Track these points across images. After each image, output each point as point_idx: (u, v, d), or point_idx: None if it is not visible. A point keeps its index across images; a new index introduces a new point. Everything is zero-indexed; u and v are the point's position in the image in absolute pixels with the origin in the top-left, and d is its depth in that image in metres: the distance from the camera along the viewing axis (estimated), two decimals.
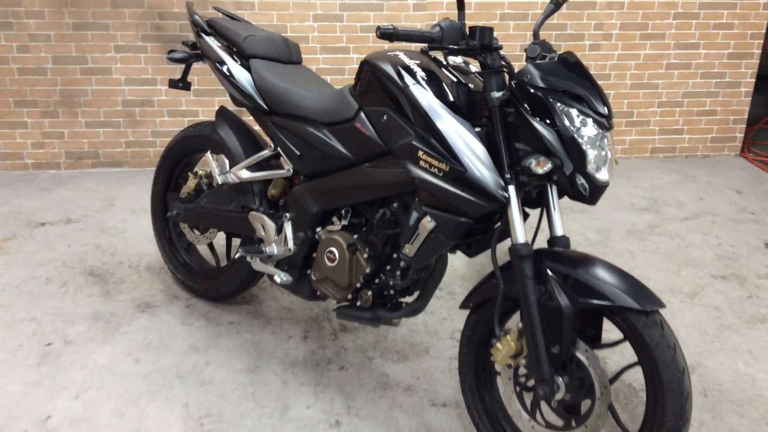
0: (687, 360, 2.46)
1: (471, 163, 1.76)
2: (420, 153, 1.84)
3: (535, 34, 1.91)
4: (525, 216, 1.99)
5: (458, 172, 1.77)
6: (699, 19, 4.31)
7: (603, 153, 1.72)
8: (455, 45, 1.74)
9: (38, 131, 4.22)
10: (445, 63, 1.93)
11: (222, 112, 2.61)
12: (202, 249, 2.96)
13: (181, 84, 2.75)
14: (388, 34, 1.67)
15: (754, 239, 3.45)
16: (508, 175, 1.75)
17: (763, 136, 5.06)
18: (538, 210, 1.94)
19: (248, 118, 3.86)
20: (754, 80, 4.55)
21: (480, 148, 1.78)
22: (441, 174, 1.81)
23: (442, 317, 2.72)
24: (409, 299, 2.18)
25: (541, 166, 1.69)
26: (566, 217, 3.67)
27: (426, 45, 1.74)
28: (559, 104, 1.69)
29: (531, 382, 1.82)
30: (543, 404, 1.84)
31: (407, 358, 2.46)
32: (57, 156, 4.27)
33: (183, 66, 2.73)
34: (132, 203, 3.76)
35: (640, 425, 1.71)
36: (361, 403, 2.22)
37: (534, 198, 1.92)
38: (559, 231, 1.83)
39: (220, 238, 2.78)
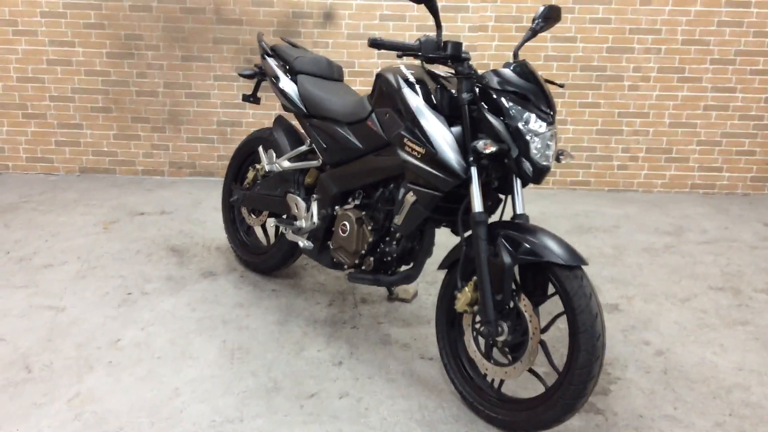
0: (659, 346, 2.77)
1: (441, 148, 2.25)
2: (406, 140, 2.35)
3: (515, 54, 2.39)
4: (497, 202, 2.46)
5: (431, 154, 2.26)
6: (735, 65, 4.52)
7: (544, 142, 2.17)
8: (430, 55, 2.26)
9: (148, 143, 4.99)
10: (436, 74, 2.44)
11: (278, 119, 3.22)
12: (258, 232, 3.56)
13: (252, 98, 3.41)
14: (375, 44, 2.23)
15: (763, 262, 3.64)
16: (471, 158, 2.23)
17: None
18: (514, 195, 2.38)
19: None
20: None
21: (449, 137, 2.27)
22: (419, 156, 2.31)
23: None
24: (405, 268, 2.66)
25: (487, 148, 2.13)
26: (589, 235, 4.00)
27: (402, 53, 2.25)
28: (507, 102, 2.16)
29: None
30: (494, 348, 2.27)
31: (410, 325, 2.91)
32: (162, 165, 5.03)
33: (254, 83, 3.38)
34: (216, 203, 4.44)
35: (564, 363, 2.10)
36: (363, 351, 2.70)
37: (503, 185, 2.39)
38: (519, 210, 2.28)
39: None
